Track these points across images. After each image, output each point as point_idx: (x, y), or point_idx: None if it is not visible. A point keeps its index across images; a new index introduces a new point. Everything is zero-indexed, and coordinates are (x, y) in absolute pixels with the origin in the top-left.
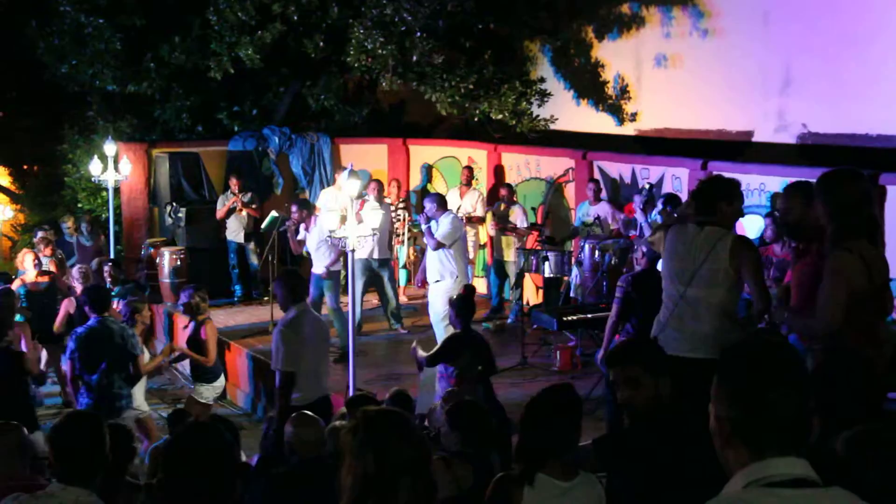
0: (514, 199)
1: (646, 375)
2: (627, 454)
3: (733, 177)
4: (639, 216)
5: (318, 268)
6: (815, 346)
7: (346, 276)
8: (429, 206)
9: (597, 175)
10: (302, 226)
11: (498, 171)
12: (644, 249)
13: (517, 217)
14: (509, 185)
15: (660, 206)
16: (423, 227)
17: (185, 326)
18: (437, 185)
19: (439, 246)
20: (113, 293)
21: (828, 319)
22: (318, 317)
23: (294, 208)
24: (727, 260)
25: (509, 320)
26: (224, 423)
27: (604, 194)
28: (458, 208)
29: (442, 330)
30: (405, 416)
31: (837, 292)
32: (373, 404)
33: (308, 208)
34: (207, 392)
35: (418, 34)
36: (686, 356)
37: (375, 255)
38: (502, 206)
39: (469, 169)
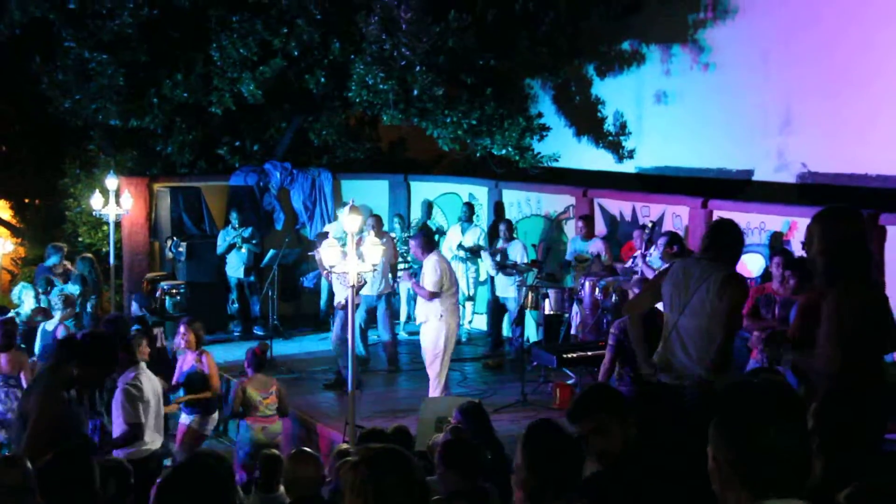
0: (514, 235)
1: (611, 421)
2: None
3: (733, 216)
4: (639, 255)
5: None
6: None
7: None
8: (413, 246)
9: (597, 212)
10: None
11: (498, 208)
12: (636, 291)
13: (517, 253)
14: (508, 222)
15: (662, 244)
16: (411, 283)
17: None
18: (438, 220)
19: (433, 296)
20: None
21: (827, 361)
22: (151, 375)
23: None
24: (715, 291)
25: (509, 357)
26: (217, 459)
27: (599, 231)
28: (459, 245)
29: (432, 370)
30: (407, 455)
31: (836, 334)
32: (383, 440)
33: None
34: (207, 424)
35: (418, 68)
36: (672, 384)
37: (375, 291)
38: (499, 244)
39: (470, 205)
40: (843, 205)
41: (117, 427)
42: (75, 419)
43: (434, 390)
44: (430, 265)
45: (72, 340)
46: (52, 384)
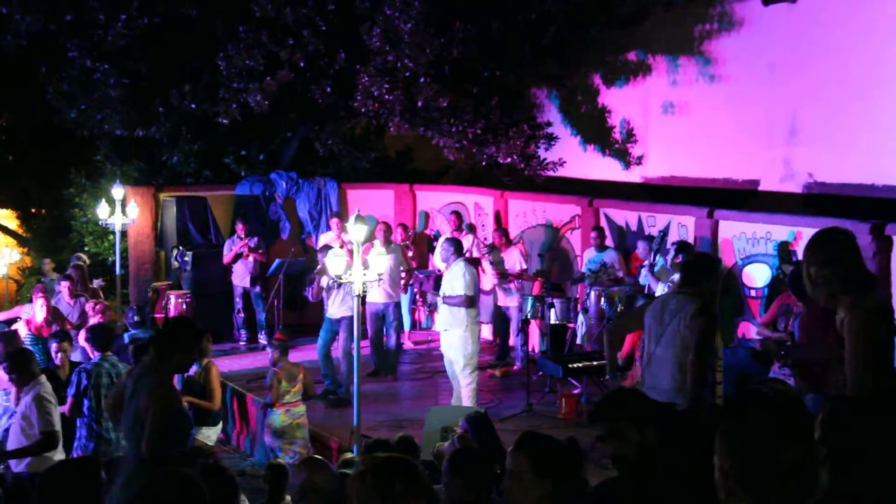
0: (517, 243)
1: (628, 426)
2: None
3: (739, 226)
4: (646, 266)
5: (333, 312)
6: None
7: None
8: (445, 250)
9: (603, 222)
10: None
11: (498, 218)
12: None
13: (514, 261)
14: (504, 230)
15: (672, 253)
16: (441, 298)
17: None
18: (444, 230)
19: (470, 300)
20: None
21: (862, 381)
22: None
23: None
24: (686, 324)
25: (515, 367)
26: (221, 471)
27: (609, 241)
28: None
29: (464, 378)
30: (414, 463)
31: (867, 353)
32: (388, 450)
33: None
34: (212, 434)
35: (423, 80)
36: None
37: (383, 299)
38: (501, 251)
39: (456, 214)
40: (827, 228)
41: (15, 439)
42: (185, 410)
43: (467, 399)
44: (458, 271)
45: (165, 331)
46: (161, 379)
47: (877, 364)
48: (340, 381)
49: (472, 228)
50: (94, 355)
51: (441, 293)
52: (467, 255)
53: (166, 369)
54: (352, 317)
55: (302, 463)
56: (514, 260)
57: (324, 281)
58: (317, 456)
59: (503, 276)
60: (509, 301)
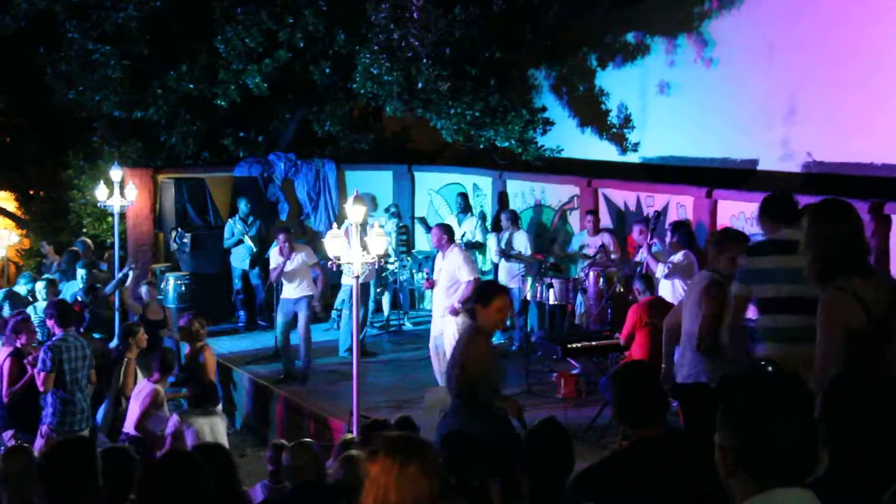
0: (518, 225)
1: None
2: (619, 484)
3: (737, 205)
4: (643, 247)
5: (290, 293)
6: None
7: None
8: (437, 235)
9: (601, 203)
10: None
11: (502, 199)
12: (639, 287)
13: (521, 243)
14: (512, 212)
15: (668, 235)
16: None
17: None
18: (442, 212)
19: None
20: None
21: (826, 359)
22: None
23: (282, 236)
24: (695, 298)
25: (513, 347)
26: (219, 451)
27: (605, 224)
28: (463, 235)
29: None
30: (427, 443)
31: (833, 332)
32: (388, 430)
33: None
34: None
35: (424, 61)
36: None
37: (296, 294)
38: (507, 235)
39: (464, 195)
40: (832, 198)
41: None
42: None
43: None
44: (459, 257)
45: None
46: (470, 336)
47: (849, 349)
48: (300, 360)
49: (474, 212)
50: (58, 331)
51: (435, 278)
52: (471, 236)
53: (475, 326)
54: (310, 296)
55: (289, 446)
56: (522, 243)
57: (274, 262)
58: (306, 440)
59: (505, 254)
60: (511, 283)
